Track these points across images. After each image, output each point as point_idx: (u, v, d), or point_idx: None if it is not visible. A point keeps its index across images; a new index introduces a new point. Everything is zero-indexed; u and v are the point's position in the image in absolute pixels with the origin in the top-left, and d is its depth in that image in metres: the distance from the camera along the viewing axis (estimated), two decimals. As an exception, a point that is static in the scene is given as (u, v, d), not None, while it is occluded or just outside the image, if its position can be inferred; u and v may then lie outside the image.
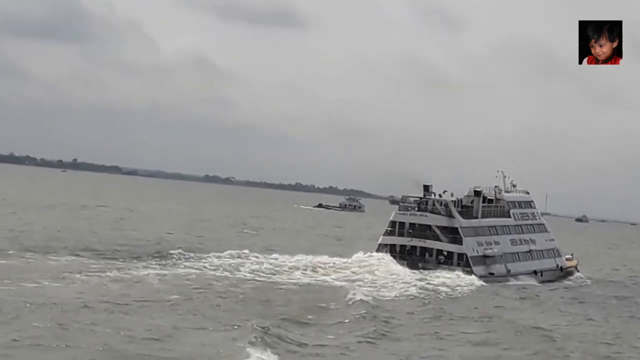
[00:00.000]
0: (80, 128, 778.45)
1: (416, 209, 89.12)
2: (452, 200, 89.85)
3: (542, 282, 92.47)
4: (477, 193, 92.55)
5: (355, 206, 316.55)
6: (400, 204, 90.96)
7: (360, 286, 71.28)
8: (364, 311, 58.50)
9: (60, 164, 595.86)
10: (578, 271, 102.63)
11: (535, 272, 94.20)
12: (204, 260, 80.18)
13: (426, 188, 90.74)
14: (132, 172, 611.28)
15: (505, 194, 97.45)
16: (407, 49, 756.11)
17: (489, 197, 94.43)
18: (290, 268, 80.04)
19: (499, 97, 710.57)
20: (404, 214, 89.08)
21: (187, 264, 77.57)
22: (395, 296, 69.09)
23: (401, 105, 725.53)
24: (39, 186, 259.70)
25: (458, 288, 77.56)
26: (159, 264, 75.36)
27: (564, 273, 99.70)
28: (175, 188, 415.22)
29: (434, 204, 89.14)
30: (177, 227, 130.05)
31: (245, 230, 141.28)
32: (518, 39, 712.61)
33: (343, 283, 72.88)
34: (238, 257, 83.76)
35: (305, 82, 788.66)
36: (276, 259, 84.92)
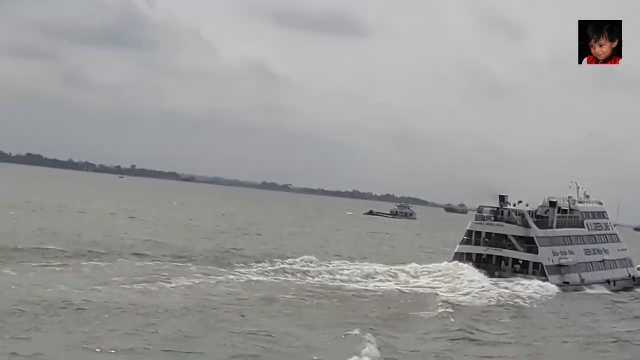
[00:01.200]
0: (139, 135, 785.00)
1: (493, 218, 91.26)
2: (528, 211, 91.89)
3: (615, 291, 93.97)
4: (553, 204, 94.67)
5: (406, 213, 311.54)
6: (477, 213, 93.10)
7: (444, 293, 73.78)
8: (453, 319, 60.78)
9: (119, 170, 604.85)
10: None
11: (608, 282, 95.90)
12: (276, 266, 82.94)
13: (502, 198, 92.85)
14: (190, 179, 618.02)
15: (579, 204, 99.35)
16: (467, 57, 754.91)
17: (563, 208, 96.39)
18: (367, 275, 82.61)
19: (560, 105, 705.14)
20: (480, 223, 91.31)
21: (260, 269, 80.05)
22: (480, 304, 71.55)
23: (462, 113, 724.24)
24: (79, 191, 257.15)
25: (538, 297, 79.64)
26: (226, 270, 77.01)
27: (636, 282, 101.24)
28: (231, 194, 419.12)
29: (509, 214, 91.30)
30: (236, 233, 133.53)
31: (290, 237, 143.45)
32: (577, 46, 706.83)
33: (428, 290, 75.51)
34: (310, 264, 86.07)
35: (365, 90, 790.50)
36: (350, 266, 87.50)
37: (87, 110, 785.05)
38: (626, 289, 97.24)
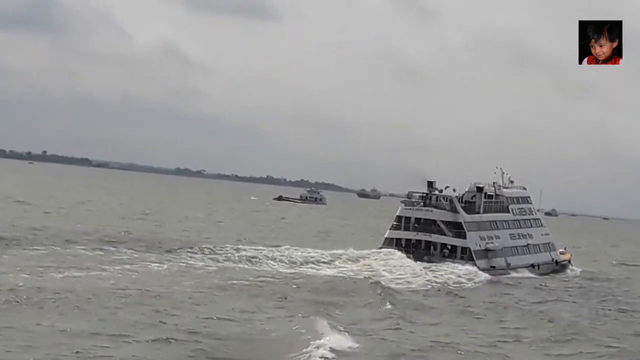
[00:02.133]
0: (51, 120, 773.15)
1: (422, 204, 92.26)
2: (455, 196, 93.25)
3: (539, 275, 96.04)
4: (480, 189, 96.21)
5: (316, 198, 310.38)
6: (406, 199, 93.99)
7: (376, 279, 74.45)
8: (389, 304, 61.26)
9: (29, 156, 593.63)
10: (571, 264, 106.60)
11: (532, 266, 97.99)
12: (207, 253, 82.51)
13: (430, 184, 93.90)
14: (103, 165, 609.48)
15: (505, 189, 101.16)
16: (382, 40, 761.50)
17: (489, 193, 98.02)
18: (303, 260, 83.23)
19: (473, 89, 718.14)
20: (410, 209, 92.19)
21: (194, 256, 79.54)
22: (413, 286, 72.79)
23: (376, 97, 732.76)
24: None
25: (466, 279, 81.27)
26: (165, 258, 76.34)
27: (559, 266, 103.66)
28: (141, 180, 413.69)
29: (438, 199, 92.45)
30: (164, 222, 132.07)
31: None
32: (493, 30, 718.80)
33: (364, 274, 76.28)
34: (238, 249, 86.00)
35: (278, 74, 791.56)
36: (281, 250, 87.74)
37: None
38: (549, 273, 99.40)
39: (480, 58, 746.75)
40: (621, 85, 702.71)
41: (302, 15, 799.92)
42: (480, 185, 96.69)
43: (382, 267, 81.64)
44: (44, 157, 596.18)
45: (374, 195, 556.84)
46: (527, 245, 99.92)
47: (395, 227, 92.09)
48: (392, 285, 71.40)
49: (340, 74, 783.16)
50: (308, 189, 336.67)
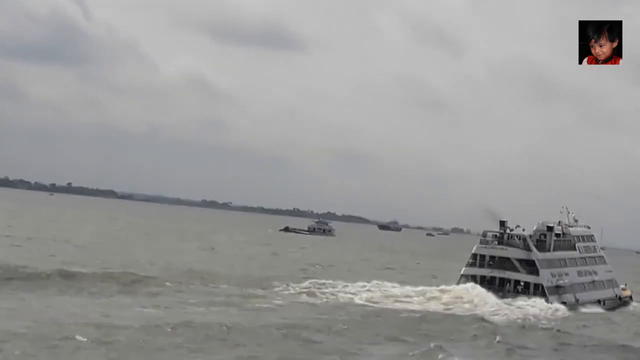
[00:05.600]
0: (76, 151, 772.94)
1: (496, 242, 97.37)
2: (528, 235, 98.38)
3: (606, 310, 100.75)
4: (550, 228, 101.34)
5: (324, 230, 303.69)
6: (482, 237, 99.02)
7: (470, 312, 79.58)
8: (495, 334, 66.74)
9: (54, 188, 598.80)
10: (632, 300, 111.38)
11: (598, 301, 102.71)
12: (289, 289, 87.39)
13: (502, 223, 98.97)
14: (128, 197, 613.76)
15: (571, 228, 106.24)
16: (406, 72, 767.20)
17: (557, 232, 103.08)
18: (391, 295, 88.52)
19: (497, 121, 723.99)
20: (485, 247, 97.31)
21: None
22: (504, 320, 77.62)
23: (401, 129, 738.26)
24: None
25: (546, 315, 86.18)
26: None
27: (622, 302, 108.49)
28: (165, 213, 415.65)
29: (512, 238, 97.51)
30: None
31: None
32: (517, 62, 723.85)
33: (454, 309, 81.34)
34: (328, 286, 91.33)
35: (304, 106, 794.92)
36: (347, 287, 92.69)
37: (23, 126, 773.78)
38: (614, 308, 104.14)
39: (505, 89, 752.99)
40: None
41: (328, 47, 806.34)
42: (550, 225, 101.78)
43: (470, 302, 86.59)
44: (68, 189, 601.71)
45: (395, 227, 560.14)
46: (593, 281, 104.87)
47: (471, 264, 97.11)
48: (489, 319, 76.20)
49: (366, 106, 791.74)
50: (316, 220, 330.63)
